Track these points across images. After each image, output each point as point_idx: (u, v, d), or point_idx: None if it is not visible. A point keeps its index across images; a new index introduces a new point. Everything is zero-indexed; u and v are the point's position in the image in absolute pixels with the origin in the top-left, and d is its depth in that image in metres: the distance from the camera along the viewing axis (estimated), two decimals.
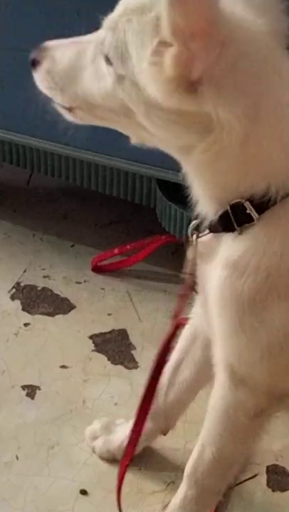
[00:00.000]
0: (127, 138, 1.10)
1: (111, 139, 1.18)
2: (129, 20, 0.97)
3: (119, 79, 1.00)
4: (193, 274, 1.15)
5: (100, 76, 1.03)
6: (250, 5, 1.00)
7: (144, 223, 1.94)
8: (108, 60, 1.01)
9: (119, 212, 2.02)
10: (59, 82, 1.07)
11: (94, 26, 1.06)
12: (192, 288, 1.19)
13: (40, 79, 1.09)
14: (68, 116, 1.10)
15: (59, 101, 1.09)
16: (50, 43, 1.09)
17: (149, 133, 1.03)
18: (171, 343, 1.30)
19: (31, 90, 1.14)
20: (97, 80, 1.04)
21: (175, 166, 1.10)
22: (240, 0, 1.00)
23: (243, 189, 1.02)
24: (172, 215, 1.67)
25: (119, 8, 1.01)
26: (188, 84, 0.93)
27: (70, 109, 1.09)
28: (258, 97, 0.97)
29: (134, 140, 1.09)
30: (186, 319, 1.31)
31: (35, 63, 1.09)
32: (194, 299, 1.23)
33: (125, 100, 1.01)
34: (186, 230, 1.46)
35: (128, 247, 1.86)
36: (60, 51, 1.08)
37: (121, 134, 1.10)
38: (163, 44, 0.93)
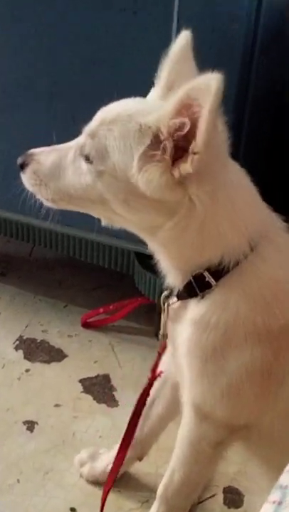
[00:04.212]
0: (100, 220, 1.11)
1: (96, 220, 1.18)
2: (110, 130, 1.00)
3: (99, 174, 1.03)
4: (166, 335, 1.17)
5: (79, 173, 1.06)
6: None
7: (124, 287, 1.93)
8: (88, 160, 1.04)
9: (103, 278, 2.03)
10: (43, 179, 1.10)
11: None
12: (166, 347, 1.21)
13: (26, 178, 1.12)
14: (49, 205, 1.13)
15: (42, 195, 1.11)
16: (35, 150, 1.13)
17: (121, 216, 1.05)
18: (149, 391, 1.31)
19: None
20: (77, 177, 1.07)
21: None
22: None
23: (202, 260, 1.05)
24: (147, 280, 1.68)
25: (96, 119, 1.05)
26: (177, 179, 0.97)
27: (52, 200, 1.12)
28: (217, 185, 1.00)
29: (104, 222, 1.11)
30: (161, 372, 1.31)
31: (23, 166, 1.12)
32: (165, 350, 1.25)
33: (103, 191, 1.04)
34: (158, 293, 1.44)
35: (111, 306, 1.87)
36: (44, 155, 1.11)
37: None
38: (154, 150, 0.96)
